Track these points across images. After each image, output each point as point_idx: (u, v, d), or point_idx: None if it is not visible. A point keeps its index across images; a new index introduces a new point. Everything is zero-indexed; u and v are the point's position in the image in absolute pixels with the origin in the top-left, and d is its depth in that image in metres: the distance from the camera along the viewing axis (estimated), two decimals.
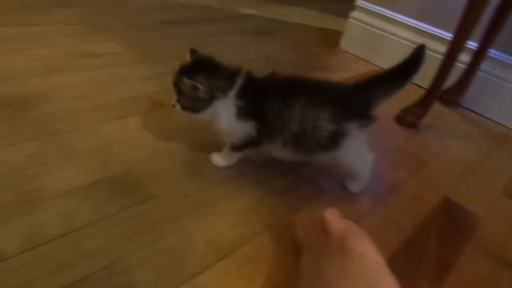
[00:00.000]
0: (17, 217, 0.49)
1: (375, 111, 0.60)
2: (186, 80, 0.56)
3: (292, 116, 0.57)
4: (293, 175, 0.69)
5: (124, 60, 0.96)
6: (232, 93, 0.58)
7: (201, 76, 0.57)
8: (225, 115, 0.59)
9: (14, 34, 0.94)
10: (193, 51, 0.63)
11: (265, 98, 0.58)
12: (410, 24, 1.24)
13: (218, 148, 0.66)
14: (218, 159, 0.67)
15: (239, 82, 0.59)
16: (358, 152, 0.63)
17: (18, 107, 0.70)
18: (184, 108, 0.60)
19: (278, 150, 0.62)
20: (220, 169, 0.66)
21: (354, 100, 0.60)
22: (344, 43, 1.41)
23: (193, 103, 0.59)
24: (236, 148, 0.64)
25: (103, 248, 0.47)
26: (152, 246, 0.49)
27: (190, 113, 0.60)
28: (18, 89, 0.75)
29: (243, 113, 0.59)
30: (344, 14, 1.39)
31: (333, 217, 0.43)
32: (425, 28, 1.20)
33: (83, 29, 1.07)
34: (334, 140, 0.58)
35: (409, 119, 0.97)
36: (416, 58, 0.61)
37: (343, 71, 1.21)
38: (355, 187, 0.68)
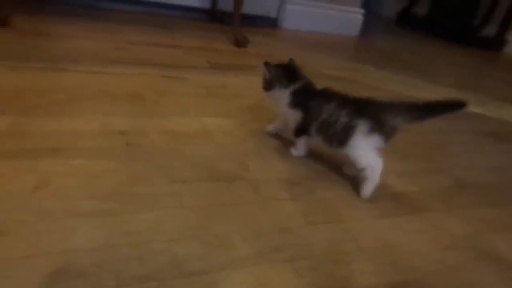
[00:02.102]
0: None
1: (393, 127, 0.77)
2: (263, 66, 0.88)
3: (325, 109, 0.80)
4: None
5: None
6: (288, 90, 0.86)
7: (272, 68, 0.87)
8: (283, 103, 0.87)
9: None
10: (290, 59, 0.91)
11: (312, 97, 0.84)
12: None
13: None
14: (293, 150, 0.91)
15: (296, 85, 0.86)
16: (365, 152, 0.77)
17: (305, 186, 0.81)
18: (262, 86, 0.90)
19: (315, 137, 0.84)
20: None
21: (371, 108, 0.78)
22: None
23: (264, 83, 0.89)
24: (296, 133, 0.88)
25: None
26: None
27: (264, 91, 0.90)
28: (300, 169, 0.87)
29: (293, 104, 0.85)
30: None
31: None
32: None
33: None
34: (345, 135, 0.77)
35: None
36: (450, 107, 0.76)
37: None
38: (366, 191, 0.78)
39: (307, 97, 0.85)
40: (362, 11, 2.54)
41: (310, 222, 0.70)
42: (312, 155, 0.94)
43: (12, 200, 0.61)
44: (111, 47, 1.40)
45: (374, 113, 0.76)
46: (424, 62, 2.27)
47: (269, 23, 2.35)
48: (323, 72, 1.66)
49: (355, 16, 2.54)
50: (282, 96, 0.87)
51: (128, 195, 0.68)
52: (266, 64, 0.87)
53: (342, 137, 0.78)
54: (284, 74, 0.87)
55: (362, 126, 0.76)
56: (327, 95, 0.84)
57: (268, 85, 0.88)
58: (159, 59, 1.38)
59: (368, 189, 0.78)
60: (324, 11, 2.43)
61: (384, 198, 0.83)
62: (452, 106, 0.75)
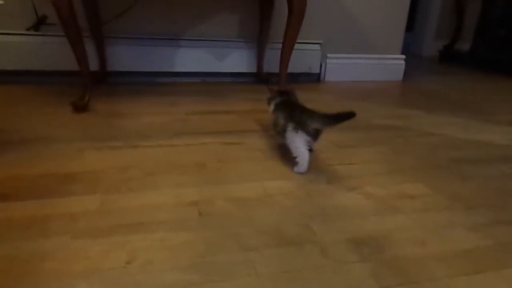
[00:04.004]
0: None
1: (313, 129, 1.08)
2: (268, 88, 1.38)
3: (281, 116, 1.18)
4: None
5: (438, 204, 1.01)
6: (274, 103, 1.27)
7: (271, 91, 1.34)
8: (271, 110, 1.28)
9: (341, 171, 1.16)
10: (291, 89, 1.35)
11: (280, 107, 1.23)
12: None
13: None
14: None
15: (279, 100, 1.27)
16: (294, 144, 1.10)
17: (372, 247, 0.82)
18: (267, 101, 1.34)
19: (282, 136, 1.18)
20: None
21: (297, 115, 1.11)
22: None
23: (268, 98, 1.34)
24: (274, 129, 1.23)
25: None
26: None
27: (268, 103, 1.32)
28: (365, 227, 0.88)
29: (274, 111, 1.26)
30: None
31: None
32: None
33: (388, 168, 1.21)
34: (283, 131, 1.14)
35: None
36: (345, 117, 1.02)
37: None
38: (296, 169, 1.13)
39: (281, 108, 1.23)
40: (403, 56, 2.58)
41: (383, 286, 0.70)
42: (375, 212, 0.95)
43: (108, 276, 0.69)
44: (173, 119, 1.55)
45: (299, 118, 1.09)
46: (476, 100, 2.21)
47: (312, 79, 2.45)
48: (373, 122, 1.68)
49: (397, 62, 2.58)
50: (272, 106, 1.29)
51: (206, 265, 0.74)
52: (270, 88, 1.35)
53: (283, 132, 1.14)
54: (276, 94, 1.30)
55: (290, 126, 1.10)
56: (285, 106, 1.21)
57: (268, 100, 1.33)
58: (216, 127, 1.50)
59: (297, 169, 1.13)
60: (364, 61, 2.50)
61: (457, 255, 0.80)
62: (346, 116, 1.01)
